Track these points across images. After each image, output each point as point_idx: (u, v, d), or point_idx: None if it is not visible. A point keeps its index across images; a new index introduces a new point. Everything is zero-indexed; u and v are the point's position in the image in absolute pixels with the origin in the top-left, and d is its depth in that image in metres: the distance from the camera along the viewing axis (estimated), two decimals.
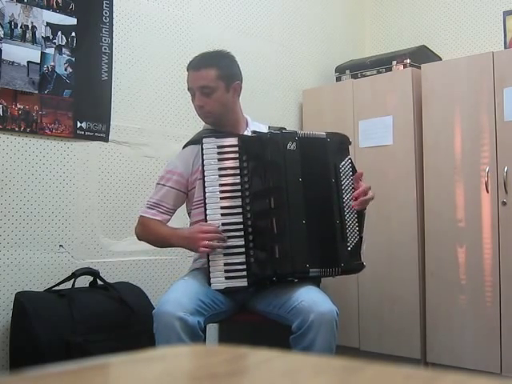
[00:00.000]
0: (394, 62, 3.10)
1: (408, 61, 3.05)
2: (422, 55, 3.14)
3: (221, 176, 1.82)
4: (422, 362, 2.71)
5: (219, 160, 1.83)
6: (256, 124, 2.08)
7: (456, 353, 2.60)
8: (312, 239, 1.82)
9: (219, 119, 1.97)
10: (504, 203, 2.50)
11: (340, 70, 3.35)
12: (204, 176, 1.82)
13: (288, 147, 1.85)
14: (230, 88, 1.95)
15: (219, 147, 1.84)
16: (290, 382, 0.49)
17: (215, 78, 1.91)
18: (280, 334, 1.78)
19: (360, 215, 1.93)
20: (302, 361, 0.59)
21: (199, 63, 1.94)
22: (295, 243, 1.81)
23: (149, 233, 2.00)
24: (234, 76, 1.97)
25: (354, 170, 1.94)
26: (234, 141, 1.85)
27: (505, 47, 3.11)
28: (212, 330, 2.55)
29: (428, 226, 2.74)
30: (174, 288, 1.79)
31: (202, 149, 1.83)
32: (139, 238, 2.06)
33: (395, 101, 2.88)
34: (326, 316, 1.67)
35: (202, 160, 1.83)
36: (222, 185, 1.82)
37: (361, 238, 1.90)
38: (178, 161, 2.01)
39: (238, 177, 1.83)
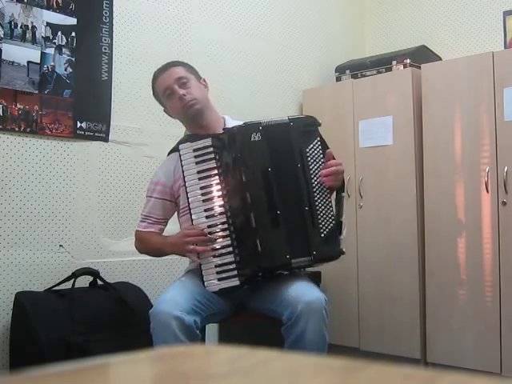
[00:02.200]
0: (394, 62, 3.10)
1: (408, 61, 3.05)
2: (422, 55, 3.14)
3: (200, 179, 1.83)
4: (422, 362, 2.71)
5: (196, 163, 1.84)
6: (235, 123, 2.04)
7: (456, 353, 2.60)
8: (288, 229, 1.80)
9: (203, 108, 1.97)
10: (504, 203, 2.50)
11: (340, 70, 3.35)
12: (185, 182, 1.84)
13: (252, 139, 1.83)
14: (200, 80, 2.03)
15: (195, 150, 1.85)
16: (290, 381, 0.49)
17: (185, 71, 1.99)
18: (280, 333, 1.78)
19: (338, 199, 1.89)
20: (302, 361, 0.59)
21: (165, 66, 2.01)
22: (273, 235, 1.80)
23: (144, 246, 2.03)
24: (198, 74, 2.05)
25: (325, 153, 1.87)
26: (207, 142, 1.85)
27: (505, 47, 3.11)
28: (212, 329, 2.55)
29: (428, 226, 2.74)
30: (171, 288, 1.80)
31: (180, 155, 1.85)
32: (140, 252, 2.08)
33: (395, 101, 2.88)
34: (314, 304, 1.67)
35: (182, 166, 1.84)
36: (202, 188, 1.83)
37: (339, 222, 1.85)
38: (160, 171, 2.03)
39: (216, 177, 1.83)
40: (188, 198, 1.83)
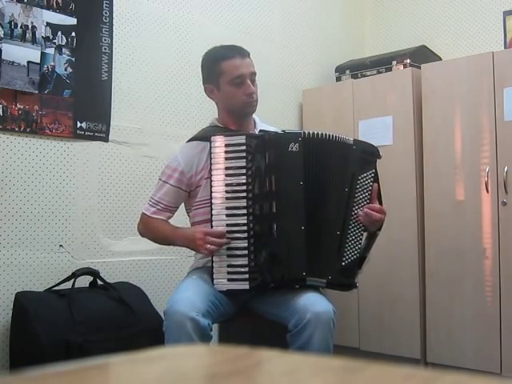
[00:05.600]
0: (394, 62, 3.10)
1: (408, 61, 3.05)
2: (422, 55, 3.14)
3: (227, 176, 1.78)
4: (422, 362, 2.71)
5: (226, 159, 1.79)
6: (264, 125, 2.03)
7: (456, 353, 2.60)
8: (310, 246, 1.78)
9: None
10: (504, 203, 2.50)
11: (340, 70, 3.35)
12: (211, 175, 1.79)
13: (289, 149, 1.78)
14: None
15: (227, 146, 1.79)
16: (290, 381, 0.49)
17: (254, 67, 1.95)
18: (280, 334, 1.78)
19: (371, 235, 1.87)
20: (302, 361, 0.59)
21: (243, 51, 1.94)
22: (293, 250, 1.77)
23: (150, 232, 2.00)
24: None
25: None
26: (241, 139, 1.80)
27: (505, 47, 3.11)
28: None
29: (428, 226, 2.74)
30: (185, 287, 1.78)
31: (211, 147, 1.80)
32: (142, 235, 2.05)
33: (395, 101, 2.88)
34: (322, 315, 1.66)
35: (210, 158, 1.80)
36: (227, 185, 1.78)
37: (364, 257, 1.84)
38: (180, 158, 1.96)
39: (244, 177, 1.78)
40: (211, 193, 1.79)
